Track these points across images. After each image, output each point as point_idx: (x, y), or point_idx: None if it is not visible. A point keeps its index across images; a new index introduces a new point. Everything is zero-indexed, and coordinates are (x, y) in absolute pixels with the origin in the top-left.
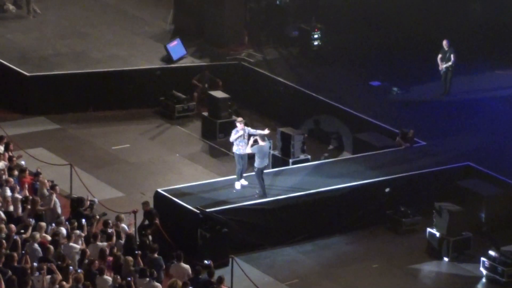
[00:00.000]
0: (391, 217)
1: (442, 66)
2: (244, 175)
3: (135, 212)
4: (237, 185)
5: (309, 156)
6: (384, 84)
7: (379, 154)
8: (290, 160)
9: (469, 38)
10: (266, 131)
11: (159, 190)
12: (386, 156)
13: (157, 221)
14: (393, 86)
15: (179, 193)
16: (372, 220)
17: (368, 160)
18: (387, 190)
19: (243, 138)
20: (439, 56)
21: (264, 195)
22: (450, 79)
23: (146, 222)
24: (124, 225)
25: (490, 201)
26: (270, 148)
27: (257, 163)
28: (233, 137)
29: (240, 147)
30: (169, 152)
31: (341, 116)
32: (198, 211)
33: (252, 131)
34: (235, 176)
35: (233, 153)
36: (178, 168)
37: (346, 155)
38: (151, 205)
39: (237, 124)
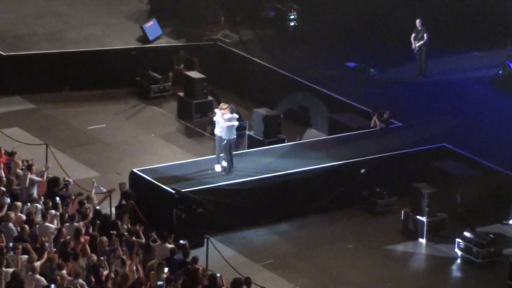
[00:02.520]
0: (366, 198)
1: (415, 44)
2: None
3: (110, 192)
4: (217, 168)
5: (285, 137)
6: (360, 65)
7: (355, 135)
8: (266, 141)
9: (445, 19)
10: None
11: (135, 170)
12: (362, 137)
13: (132, 202)
14: (370, 67)
15: (155, 173)
16: (347, 201)
17: (343, 141)
18: (362, 171)
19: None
20: (413, 35)
21: (230, 169)
22: (425, 60)
23: (123, 202)
24: (96, 202)
25: (465, 182)
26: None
27: (226, 135)
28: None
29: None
30: (144, 132)
31: (316, 97)
32: (174, 191)
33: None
34: (210, 157)
35: (210, 134)
36: (153, 148)
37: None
38: (127, 185)
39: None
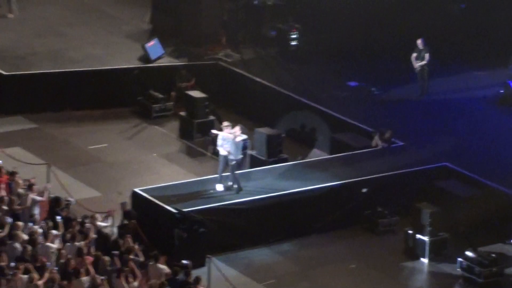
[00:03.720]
0: (368, 217)
1: (417, 64)
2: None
3: (111, 213)
4: (219, 187)
5: (286, 156)
6: (361, 85)
7: (357, 154)
8: (268, 160)
9: (447, 38)
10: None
11: (136, 190)
12: (364, 157)
13: (134, 221)
14: (371, 86)
15: (156, 193)
16: (349, 221)
17: (345, 160)
18: (364, 190)
19: (228, 141)
20: (414, 55)
21: (240, 189)
22: (427, 79)
23: (125, 222)
24: (99, 223)
25: (467, 202)
26: (247, 145)
27: (232, 156)
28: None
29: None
30: (146, 152)
31: (318, 116)
32: (175, 211)
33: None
34: (212, 176)
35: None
36: (155, 168)
37: (316, 154)
38: (129, 205)
39: (224, 129)
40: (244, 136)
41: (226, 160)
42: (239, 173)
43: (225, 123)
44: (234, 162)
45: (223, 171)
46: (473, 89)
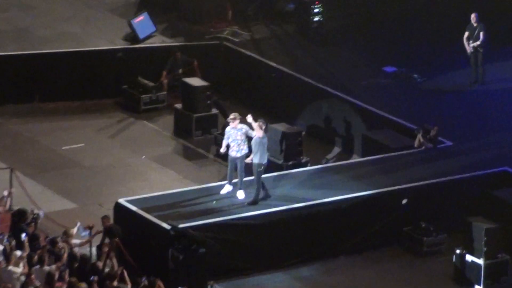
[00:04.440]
0: (409, 235)
1: (469, 46)
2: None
3: (90, 228)
4: (224, 189)
5: (308, 159)
6: (401, 70)
7: (395, 157)
8: (284, 164)
9: (505, 14)
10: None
11: (121, 200)
12: (403, 160)
13: (117, 239)
14: (413, 73)
15: (146, 205)
16: (385, 239)
17: (381, 164)
18: (404, 201)
19: (235, 138)
20: (466, 34)
21: (256, 200)
22: (481, 64)
23: (107, 240)
24: (76, 241)
25: None
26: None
27: (256, 159)
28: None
29: (232, 148)
30: (133, 153)
31: (347, 110)
32: (169, 227)
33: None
34: (215, 184)
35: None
36: (144, 174)
37: (355, 159)
38: (111, 219)
39: (230, 122)
40: (258, 134)
41: (235, 163)
42: (248, 179)
43: (232, 116)
44: (256, 166)
45: (233, 173)
46: None
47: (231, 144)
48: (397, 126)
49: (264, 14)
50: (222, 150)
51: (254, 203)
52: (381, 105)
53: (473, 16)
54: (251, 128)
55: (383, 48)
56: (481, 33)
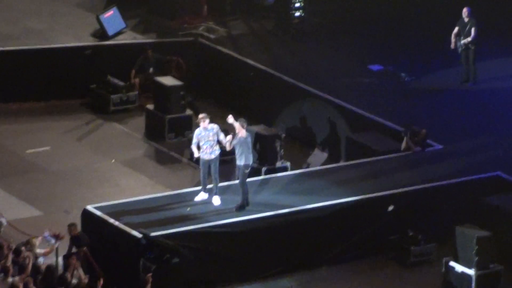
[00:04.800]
0: (396, 244)
1: (460, 42)
2: (209, 186)
3: (57, 237)
4: (199, 196)
5: (288, 163)
6: (387, 69)
7: (380, 160)
8: (263, 169)
9: (498, 8)
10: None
11: (89, 207)
12: (390, 164)
13: (85, 248)
14: (400, 71)
15: (115, 211)
16: (371, 248)
17: (365, 168)
18: (390, 208)
19: (208, 140)
20: (455, 29)
21: (243, 205)
22: (473, 62)
23: (74, 250)
24: (40, 250)
25: None
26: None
27: (241, 160)
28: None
29: (205, 150)
30: (102, 157)
31: (330, 111)
32: (140, 235)
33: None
34: (189, 189)
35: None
36: (113, 179)
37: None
38: (79, 227)
39: (201, 122)
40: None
41: (208, 166)
42: (225, 185)
43: (201, 115)
44: (240, 168)
45: (205, 177)
46: None
47: (203, 146)
48: (383, 128)
49: (242, 9)
50: (196, 155)
51: (242, 208)
52: (366, 106)
53: (465, 10)
54: (233, 130)
55: (368, 45)
56: (473, 29)
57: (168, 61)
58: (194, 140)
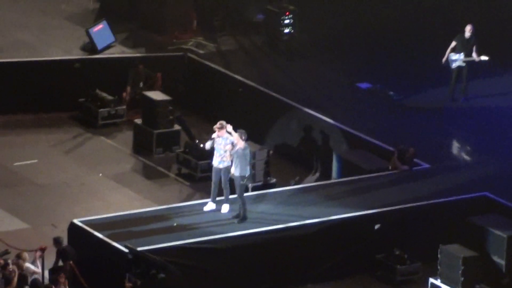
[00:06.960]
0: (382, 263)
1: (457, 58)
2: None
3: (43, 250)
4: (208, 206)
5: (274, 180)
6: (376, 87)
7: (368, 179)
8: (250, 185)
9: (495, 27)
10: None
11: (76, 221)
12: (377, 182)
13: (71, 262)
14: (389, 89)
15: (102, 226)
16: (357, 267)
17: (353, 186)
18: (377, 227)
19: (219, 147)
20: (452, 44)
21: (245, 216)
22: (466, 78)
23: (60, 263)
24: (29, 265)
25: None
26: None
27: (236, 171)
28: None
29: (215, 157)
30: (89, 171)
31: (319, 128)
32: (127, 250)
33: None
34: (176, 205)
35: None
36: (101, 193)
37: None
38: (65, 241)
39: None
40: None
41: (219, 175)
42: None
43: (219, 124)
44: (244, 181)
45: (217, 187)
46: None
47: (215, 152)
48: (370, 147)
49: (231, 25)
50: (207, 146)
51: (244, 219)
52: (354, 124)
53: (469, 27)
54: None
55: (357, 63)
56: (474, 47)
57: (149, 77)
58: (211, 140)
